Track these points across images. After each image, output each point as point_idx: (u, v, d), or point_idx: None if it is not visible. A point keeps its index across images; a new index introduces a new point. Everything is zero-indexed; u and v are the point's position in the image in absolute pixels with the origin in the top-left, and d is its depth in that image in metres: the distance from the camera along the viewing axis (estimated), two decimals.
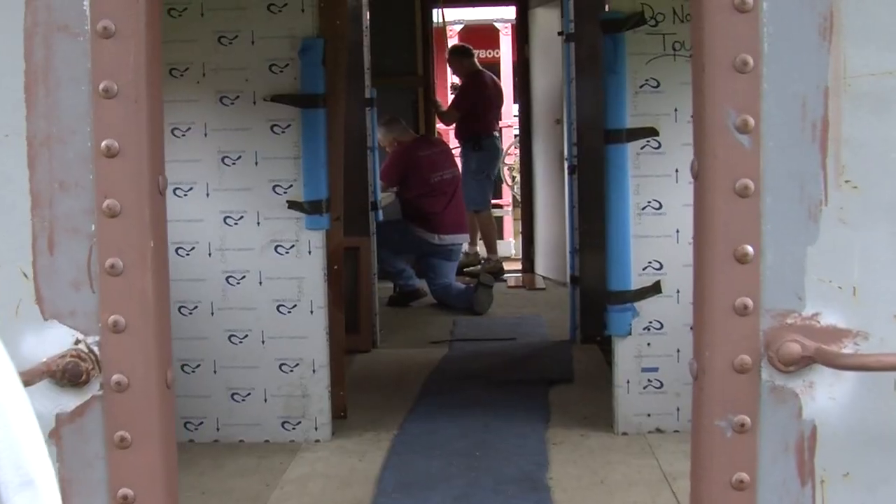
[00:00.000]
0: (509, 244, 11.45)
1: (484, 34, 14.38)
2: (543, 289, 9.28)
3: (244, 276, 4.94)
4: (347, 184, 5.56)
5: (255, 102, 4.85)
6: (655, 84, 4.85)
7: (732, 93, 1.56)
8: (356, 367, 6.52)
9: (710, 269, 1.60)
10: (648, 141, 4.87)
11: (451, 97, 12.31)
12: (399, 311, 8.42)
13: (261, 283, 4.93)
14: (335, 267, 5.22)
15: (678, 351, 4.97)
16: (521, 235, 10.39)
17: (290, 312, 4.93)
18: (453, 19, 13.41)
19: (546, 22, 9.37)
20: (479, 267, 9.92)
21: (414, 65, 9.75)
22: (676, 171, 4.88)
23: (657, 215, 4.91)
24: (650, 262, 4.92)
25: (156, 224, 1.62)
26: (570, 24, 6.93)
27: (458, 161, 9.80)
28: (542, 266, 9.80)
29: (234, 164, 4.89)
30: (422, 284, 8.76)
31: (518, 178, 11.02)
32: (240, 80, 4.85)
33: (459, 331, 7.63)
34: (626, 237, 4.90)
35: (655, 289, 4.93)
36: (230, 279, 4.94)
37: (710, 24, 1.56)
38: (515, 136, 11.71)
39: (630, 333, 4.96)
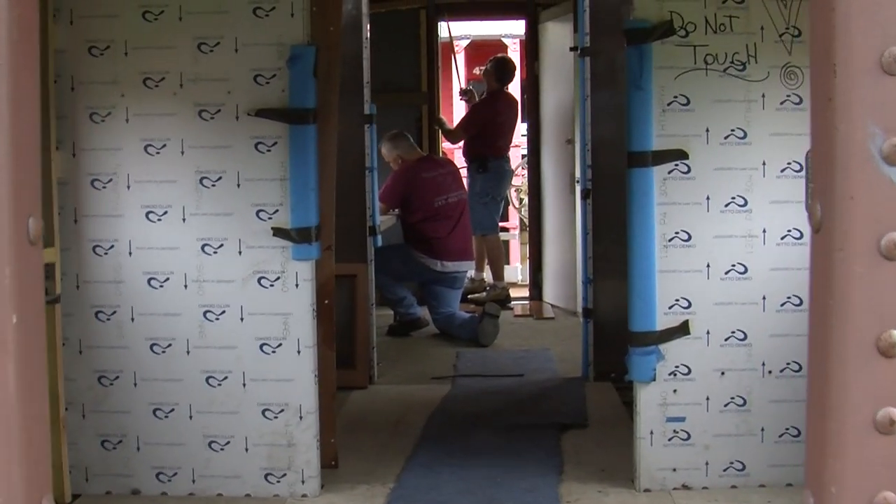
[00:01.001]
0: (516, 270, 10.97)
1: (492, 50, 13.93)
2: (552, 318, 8.80)
3: (224, 311, 4.46)
4: (344, 207, 5.12)
5: (237, 117, 4.39)
6: (685, 101, 4.40)
7: (879, 105, 1.05)
8: (351, 405, 6.02)
9: (839, 367, 1.08)
10: (677, 165, 4.41)
11: (459, 102, 11.86)
12: (399, 342, 7.93)
13: (242, 318, 4.45)
14: (326, 301, 4.73)
15: (707, 399, 4.50)
16: (528, 261, 9.92)
17: (274, 352, 4.45)
18: (459, 34, 12.97)
19: (557, 37, 8.96)
20: (484, 294, 9.46)
21: (418, 80, 9.35)
22: (707, 198, 4.43)
23: (685, 247, 4.44)
24: (677, 300, 4.45)
25: (23, 289, 1.11)
26: (586, 37, 6.48)
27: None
28: (550, 294, 9.33)
29: (213, 185, 4.43)
30: (423, 313, 8.29)
31: (526, 201, 10.56)
32: (221, 92, 4.39)
33: (463, 365, 7.13)
34: (651, 272, 4.44)
35: (683, 330, 4.45)
36: (208, 314, 4.46)
37: (844, 3, 1.05)
38: (523, 156, 11.25)
39: (654, 379, 4.48)
